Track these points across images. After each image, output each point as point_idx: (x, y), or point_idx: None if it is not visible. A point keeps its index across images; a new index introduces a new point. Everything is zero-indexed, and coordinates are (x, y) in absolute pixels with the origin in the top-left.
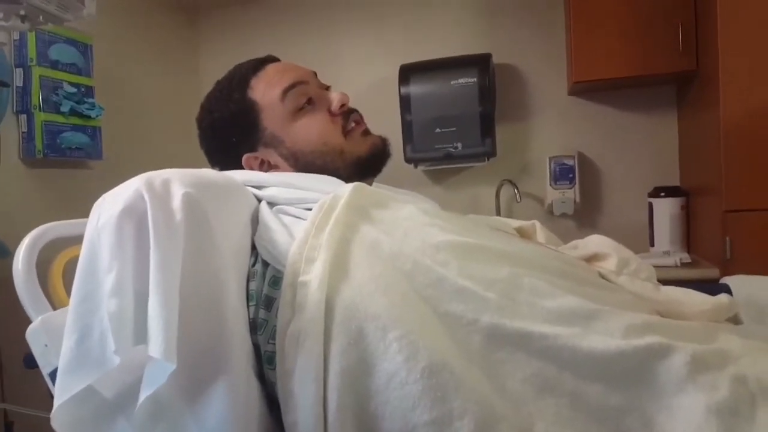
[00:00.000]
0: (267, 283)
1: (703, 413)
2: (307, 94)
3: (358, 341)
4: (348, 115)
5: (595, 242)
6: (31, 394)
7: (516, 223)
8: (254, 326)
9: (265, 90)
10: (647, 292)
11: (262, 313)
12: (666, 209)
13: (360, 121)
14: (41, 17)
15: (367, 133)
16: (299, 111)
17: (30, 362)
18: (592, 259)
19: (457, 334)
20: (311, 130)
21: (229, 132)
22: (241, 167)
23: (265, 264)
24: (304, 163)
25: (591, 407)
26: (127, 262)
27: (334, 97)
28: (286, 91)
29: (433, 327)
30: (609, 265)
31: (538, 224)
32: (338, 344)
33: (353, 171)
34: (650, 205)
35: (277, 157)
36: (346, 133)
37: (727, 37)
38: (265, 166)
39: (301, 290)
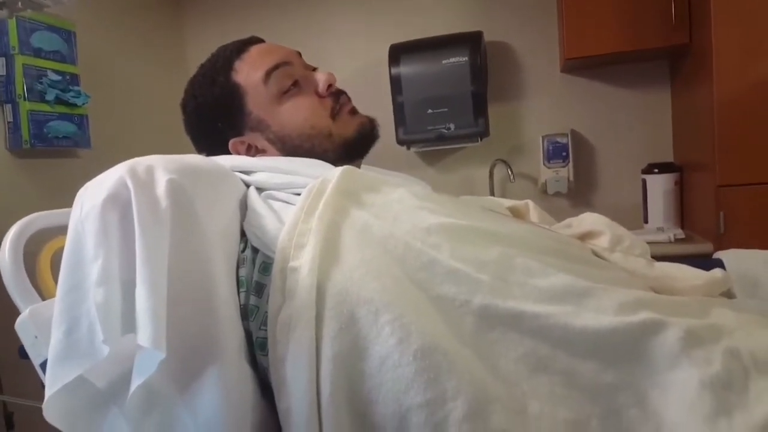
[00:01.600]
0: (257, 270)
1: (696, 388)
2: (293, 76)
3: (350, 326)
4: (336, 96)
5: (589, 220)
6: (29, 385)
7: (509, 202)
8: (245, 313)
9: (248, 72)
10: (641, 269)
11: (252, 300)
12: (659, 185)
13: (347, 102)
14: (20, 3)
15: (354, 112)
16: (284, 94)
17: (24, 353)
18: (585, 237)
19: (449, 316)
20: (298, 114)
21: (214, 116)
22: (228, 152)
23: (255, 250)
24: (291, 147)
25: (585, 385)
26: (112, 251)
27: (321, 78)
28: (269, 73)
29: (426, 310)
30: (602, 242)
31: (531, 203)
32: (330, 329)
33: (341, 153)
34: (644, 182)
35: (264, 142)
36: (333, 114)
37: (720, 11)
38: (252, 150)
39: (292, 276)
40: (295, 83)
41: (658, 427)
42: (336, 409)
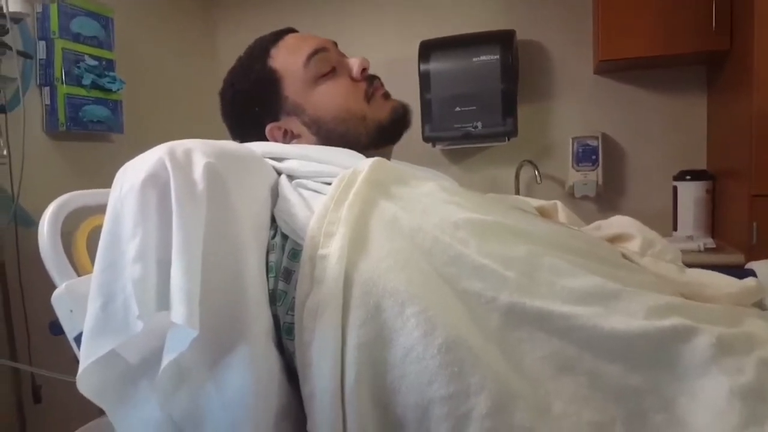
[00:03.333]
0: (286, 256)
1: (726, 396)
2: (330, 62)
3: (376, 316)
4: (370, 80)
5: (619, 223)
6: (57, 360)
7: (536, 202)
8: (273, 297)
9: (286, 57)
10: (671, 274)
11: (281, 285)
12: (691, 193)
13: (380, 86)
14: None
15: (387, 96)
16: (321, 77)
17: (55, 329)
18: (615, 239)
19: (475, 312)
20: (333, 97)
21: (251, 102)
22: (263, 139)
23: (285, 237)
24: (326, 131)
25: (610, 387)
26: (150, 229)
27: (355, 62)
28: (309, 57)
29: (452, 304)
30: (633, 245)
31: (559, 204)
32: (356, 318)
33: (375, 137)
34: (675, 189)
35: (299, 126)
36: (368, 97)
37: (763, 16)
38: (288, 135)
39: (320, 264)
40: (333, 69)
41: None
42: (359, 396)
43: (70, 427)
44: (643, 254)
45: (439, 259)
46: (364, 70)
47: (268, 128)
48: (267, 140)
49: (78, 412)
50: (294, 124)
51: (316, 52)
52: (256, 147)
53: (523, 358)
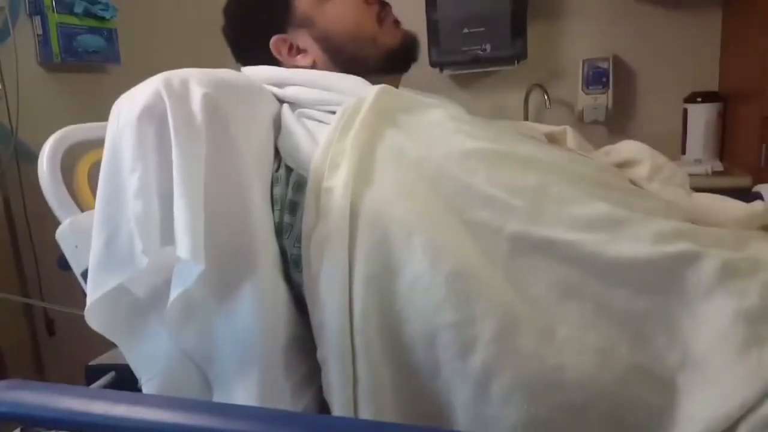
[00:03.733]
0: (291, 188)
1: (730, 318)
2: None
3: (383, 246)
4: (383, 4)
5: (628, 148)
6: (68, 294)
7: (546, 128)
8: (279, 230)
9: None
10: (679, 199)
11: (287, 218)
12: (702, 115)
13: (391, 12)
14: None
15: (398, 24)
16: None
17: (63, 263)
18: (624, 164)
19: (482, 241)
20: (345, 11)
21: (257, 11)
22: (267, 58)
23: (289, 169)
24: (335, 47)
25: (615, 312)
26: (149, 163)
27: None
28: None
29: (458, 233)
30: (641, 171)
31: (569, 129)
32: (363, 249)
33: (383, 61)
34: (685, 111)
35: (307, 39)
36: (380, 20)
37: None
38: (294, 50)
39: (325, 196)
40: None
41: (686, 356)
42: (367, 325)
43: (86, 359)
44: (651, 179)
45: (446, 189)
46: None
47: (273, 40)
48: (270, 58)
49: (92, 343)
50: (302, 38)
51: None
52: (259, 72)
53: (530, 286)
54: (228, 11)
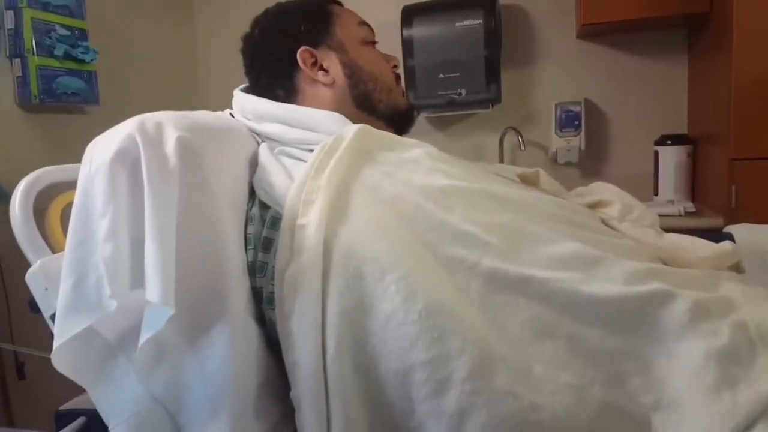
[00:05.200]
0: (266, 225)
1: (702, 359)
2: (374, 39)
3: (357, 283)
4: (397, 75)
5: (599, 189)
6: (39, 336)
7: (519, 170)
8: (253, 269)
9: (341, 9)
10: (649, 239)
11: (260, 256)
12: (672, 157)
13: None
14: None
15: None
16: (367, 43)
17: (34, 306)
18: (595, 205)
19: (457, 277)
20: (374, 61)
21: (301, 18)
22: (284, 64)
23: (264, 206)
24: (358, 78)
25: (589, 351)
26: (121, 207)
27: (393, 56)
28: (363, 23)
29: (433, 270)
30: (612, 211)
31: (542, 171)
32: (336, 286)
33: (389, 113)
34: (656, 153)
35: (334, 61)
36: (396, 82)
37: None
38: (316, 67)
39: (299, 233)
40: (375, 44)
41: (660, 396)
42: (341, 363)
43: (56, 403)
44: (622, 219)
45: (422, 225)
46: (395, 66)
47: (302, 48)
48: (286, 66)
49: (63, 387)
50: (329, 59)
51: (368, 25)
52: (243, 101)
53: (505, 323)
54: (270, 11)
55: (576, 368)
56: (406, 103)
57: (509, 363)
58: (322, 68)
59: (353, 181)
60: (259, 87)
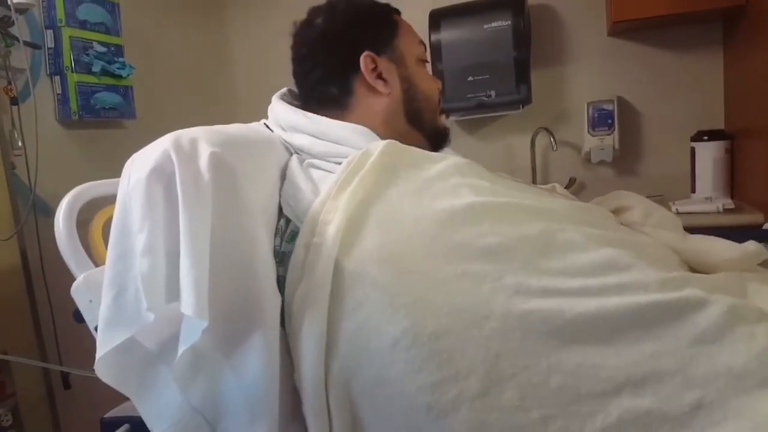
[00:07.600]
0: (285, 240)
1: (743, 358)
2: (427, 60)
3: (364, 305)
4: (440, 99)
5: (617, 196)
6: (84, 347)
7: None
8: (278, 282)
9: (404, 23)
10: (673, 242)
11: (280, 270)
12: (709, 153)
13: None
14: None
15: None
16: (423, 62)
17: (78, 317)
18: (616, 212)
19: (480, 291)
20: (428, 81)
21: (369, 23)
22: (340, 64)
23: (288, 220)
24: (411, 94)
25: (620, 357)
26: (157, 222)
27: (437, 80)
28: (421, 42)
29: (448, 290)
30: (633, 216)
31: (558, 186)
32: (345, 308)
33: (432, 132)
34: (692, 150)
35: (393, 73)
36: (439, 105)
37: None
38: (374, 74)
39: (313, 251)
40: (426, 63)
41: (702, 394)
42: (345, 384)
43: (101, 411)
44: (644, 224)
45: (440, 245)
46: (440, 90)
47: (366, 52)
48: (340, 67)
49: (107, 396)
50: (389, 70)
51: (424, 44)
52: (276, 111)
53: (527, 335)
54: (337, 6)
55: (602, 374)
56: (445, 126)
57: (520, 378)
58: (380, 77)
59: (374, 200)
60: (311, 78)
